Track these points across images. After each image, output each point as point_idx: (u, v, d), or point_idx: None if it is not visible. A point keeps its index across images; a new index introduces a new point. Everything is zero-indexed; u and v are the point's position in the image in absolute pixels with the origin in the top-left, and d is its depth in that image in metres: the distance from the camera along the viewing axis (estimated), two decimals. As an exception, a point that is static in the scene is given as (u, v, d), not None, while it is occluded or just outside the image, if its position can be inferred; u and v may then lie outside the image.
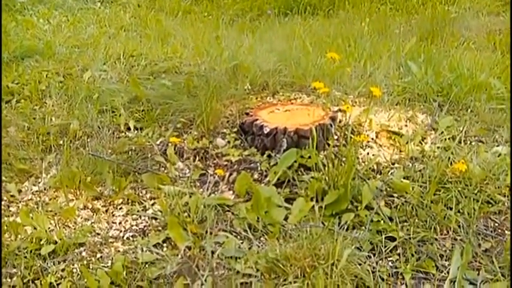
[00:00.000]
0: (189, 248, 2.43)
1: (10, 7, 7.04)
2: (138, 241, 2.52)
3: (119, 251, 2.48)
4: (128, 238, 2.58)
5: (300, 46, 5.01)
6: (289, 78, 4.06)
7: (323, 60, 4.33)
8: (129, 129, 3.48)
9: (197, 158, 3.23)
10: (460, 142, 3.35)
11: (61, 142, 3.36)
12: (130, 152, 3.28)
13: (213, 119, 3.41)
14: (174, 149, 3.29)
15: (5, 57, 4.73)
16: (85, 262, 2.39)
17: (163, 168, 3.14)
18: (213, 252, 2.42)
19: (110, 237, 2.58)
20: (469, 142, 3.40)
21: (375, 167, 3.14)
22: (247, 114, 3.43)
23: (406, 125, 3.53)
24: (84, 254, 2.46)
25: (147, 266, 2.36)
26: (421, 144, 3.35)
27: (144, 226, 2.67)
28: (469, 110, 3.78)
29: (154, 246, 2.49)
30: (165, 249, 2.48)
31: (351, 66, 4.39)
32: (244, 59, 4.25)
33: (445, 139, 3.39)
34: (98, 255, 2.45)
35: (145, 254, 2.41)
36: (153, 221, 2.70)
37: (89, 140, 3.37)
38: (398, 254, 2.49)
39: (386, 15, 7.04)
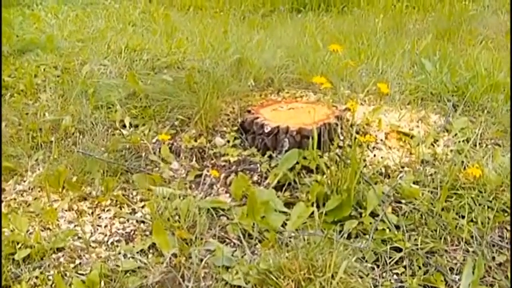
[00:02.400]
0: (176, 256, 2.24)
1: (19, 1, 6.92)
2: (121, 247, 2.33)
3: (100, 257, 2.29)
4: (112, 243, 2.40)
5: (310, 43, 4.82)
6: (296, 74, 3.86)
7: (332, 57, 4.12)
8: (124, 126, 3.30)
9: (194, 158, 3.05)
10: (475, 145, 3.14)
11: (52, 139, 3.19)
12: (124, 151, 3.11)
13: (212, 117, 3.22)
14: (170, 148, 3.11)
15: (5, 50, 4.58)
16: (62, 269, 2.21)
17: (157, 168, 2.95)
18: (202, 260, 2.23)
19: (92, 241, 2.40)
20: (484, 145, 3.19)
21: (383, 170, 2.94)
22: (248, 112, 3.24)
23: (417, 126, 3.32)
24: (62, 259, 2.27)
25: (128, 274, 2.17)
26: (433, 146, 3.14)
27: (131, 230, 2.49)
28: (485, 111, 3.55)
29: (139, 252, 2.31)
30: (150, 256, 2.30)
31: (356, 61, 4.17)
32: (250, 55, 4.06)
33: (459, 141, 3.18)
34: (77, 262, 2.26)
35: (127, 261, 2.23)
36: (141, 224, 2.51)
37: (81, 137, 3.19)
38: (405, 266, 2.28)
39: (402, 12, 6.82)
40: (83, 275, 2.17)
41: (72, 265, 2.24)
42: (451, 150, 3.09)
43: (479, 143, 3.17)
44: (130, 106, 3.47)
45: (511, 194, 2.64)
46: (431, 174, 2.86)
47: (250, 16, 7.14)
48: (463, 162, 2.90)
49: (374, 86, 3.67)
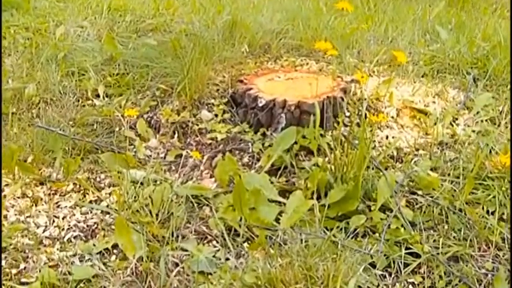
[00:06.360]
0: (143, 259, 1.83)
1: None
2: (79, 245, 1.92)
3: (52, 259, 1.87)
4: (68, 240, 1.98)
5: (312, 6, 4.37)
6: (296, 40, 3.43)
7: (337, 21, 3.68)
8: (97, 96, 2.87)
9: (176, 134, 2.64)
10: (499, 125, 2.72)
11: (14, 110, 2.76)
12: (95, 124, 2.69)
13: (198, 86, 2.79)
14: (149, 122, 2.70)
15: (-25, 10, 4.12)
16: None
17: (132, 146, 2.54)
18: (176, 265, 1.83)
19: (45, 237, 1.98)
20: (510, 125, 2.77)
21: (394, 153, 2.52)
22: (240, 81, 2.82)
23: (433, 102, 2.90)
24: (3, 263, 1.85)
25: (81, 284, 1.76)
26: (452, 126, 2.73)
27: (94, 223, 2.07)
28: (508, 86, 3.12)
29: (100, 253, 1.90)
30: (113, 258, 1.88)
31: (369, 27, 3.73)
32: (246, 17, 3.62)
33: (482, 121, 2.76)
34: (22, 266, 1.84)
35: (82, 268, 1.80)
36: (107, 216, 2.10)
37: (47, 108, 2.76)
38: (422, 276, 1.88)
39: (412, -23, 6.35)
40: (26, 283, 1.76)
41: (14, 271, 1.82)
42: (473, 131, 2.67)
43: (504, 123, 2.75)
44: (106, 73, 3.04)
45: (510, 189, 2.22)
46: (451, 160, 2.45)
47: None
48: (487, 145, 2.49)
49: (384, 55, 3.25)
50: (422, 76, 3.15)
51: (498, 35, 3.73)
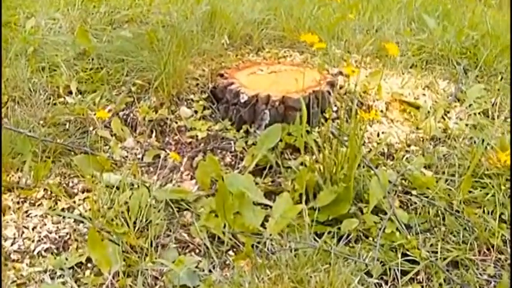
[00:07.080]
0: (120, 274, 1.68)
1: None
2: (50, 260, 1.77)
3: (21, 276, 1.72)
4: (39, 254, 1.82)
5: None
6: (278, 31, 3.28)
7: (320, 11, 3.54)
8: (70, 93, 2.71)
9: (154, 133, 2.49)
10: (493, 118, 2.61)
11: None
12: (67, 124, 2.52)
13: (176, 81, 2.64)
14: (125, 120, 2.54)
15: None
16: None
17: (107, 147, 2.38)
18: (157, 279, 1.68)
19: (14, 251, 1.82)
20: (503, 118, 2.65)
21: (385, 149, 2.40)
22: (221, 75, 2.67)
23: (424, 94, 2.78)
24: (-34, 280, 1.71)
25: (51, 305, 1.62)
26: (444, 119, 2.61)
27: (67, 234, 1.91)
28: (500, 77, 3.01)
29: (74, 268, 1.75)
30: (87, 273, 1.74)
31: (354, 17, 3.58)
32: (226, 7, 3.47)
33: (475, 114, 2.64)
34: (-14, 285, 1.70)
35: (52, 285, 1.65)
36: (80, 225, 1.94)
37: (16, 107, 2.60)
38: (422, 285, 1.75)
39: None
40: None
41: (-22, 290, 1.68)
42: (467, 125, 2.56)
43: (497, 116, 2.63)
44: (78, 68, 2.86)
45: (510, 188, 2.10)
46: (445, 156, 2.33)
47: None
48: (483, 141, 2.36)
49: (371, 45, 3.12)
50: (411, 67, 3.02)
51: (485, 24, 3.63)
